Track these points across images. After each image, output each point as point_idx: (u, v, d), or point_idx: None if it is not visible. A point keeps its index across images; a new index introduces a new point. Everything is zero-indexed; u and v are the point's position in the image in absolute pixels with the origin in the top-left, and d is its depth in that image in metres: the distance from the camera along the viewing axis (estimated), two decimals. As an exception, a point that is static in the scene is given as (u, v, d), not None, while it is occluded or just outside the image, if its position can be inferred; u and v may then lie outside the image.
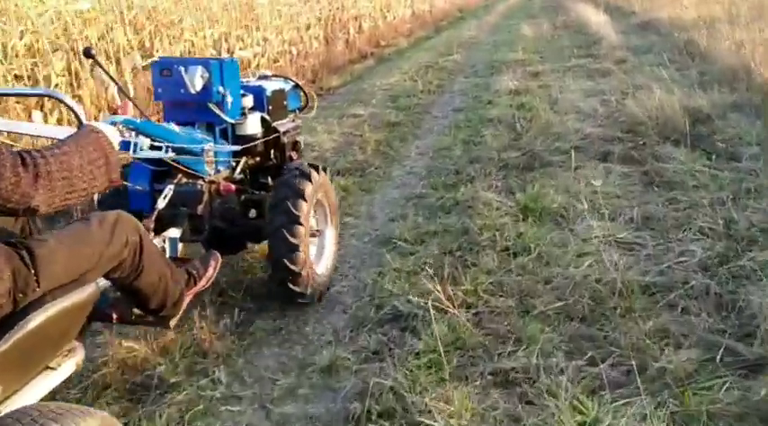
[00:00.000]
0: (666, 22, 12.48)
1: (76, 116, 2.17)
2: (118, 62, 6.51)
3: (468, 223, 4.08)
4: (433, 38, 16.06)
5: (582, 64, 9.95)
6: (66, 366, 1.89)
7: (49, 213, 1.67)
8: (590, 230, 3.91)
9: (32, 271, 1.67)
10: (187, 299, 2.43)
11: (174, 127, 2.78)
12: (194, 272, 2.51)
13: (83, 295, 1.82)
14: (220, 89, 2.97)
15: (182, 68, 2.90)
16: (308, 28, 11.35)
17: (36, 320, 1.68)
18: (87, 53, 2.44)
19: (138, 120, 2.46)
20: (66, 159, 1.68)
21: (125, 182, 2.76)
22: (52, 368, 1.85)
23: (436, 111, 7.81)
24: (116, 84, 2.88)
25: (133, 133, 2.31)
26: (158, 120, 3.32)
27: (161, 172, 2.87)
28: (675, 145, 5.45)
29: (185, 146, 2.69)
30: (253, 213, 3.32)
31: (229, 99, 3.03)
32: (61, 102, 2.28)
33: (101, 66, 2.62)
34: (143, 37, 7.10)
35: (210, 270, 2.59)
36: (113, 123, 2.16)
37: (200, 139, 2.92)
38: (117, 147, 1.95)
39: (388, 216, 4.49)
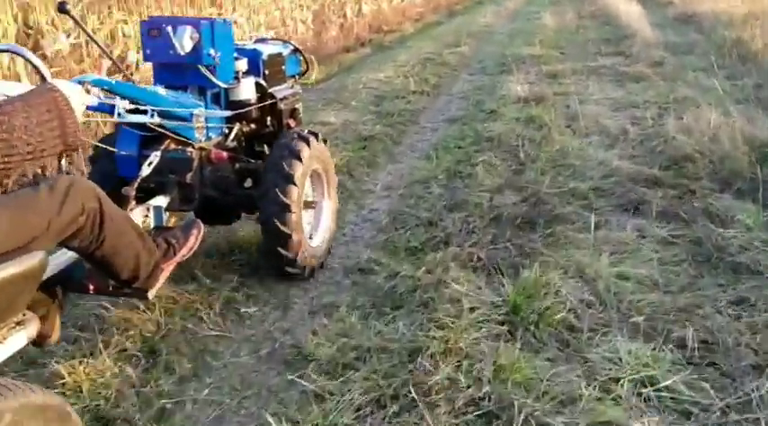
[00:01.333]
0: (710, 17, 10.76)
1: (39, 73, 2.01)
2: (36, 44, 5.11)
3: (420, 338, 2.59)
4: (444, 24, 14.43)
5: (609, 64, 8.35)
6: (14, 339, 1.78)
7: None
8: (614, 365, 2.42)
9: None
10: (166, 270, 2.32)
11: (159, 89, 2.65)
12: (174, 242, 2.38)
13: (26, 264, 1.66)
14: (211, 51, 2.82)
15: (170, 28, 2.76)
16: (293, 9, 9.81)
17: None
18: (62, 8, 2.25)
19: (113, 81, 2.35)
20: (7, 118, 1.57)
21: (110, 148, 2.69)
22: None
23: (425, 121, 6.29)
24: (95, 42, 2.65)
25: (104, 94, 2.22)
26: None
27: (150, 137, 2.69)
28: (738, 196, 3.91)
29: (171, 110, 2.58)
30: (248, 183, 3.17)
31: (220, 62, 2.87)
32: (23, 57, 2.10)
33: (77, 23, 2.44)
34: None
35: (192, 240, 2.46)
36: (81, 82, 2.02)
37: (189, 104, 2.80)
38: (80, 108, 1.81)
39: (306, 308, 3.00)
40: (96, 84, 2.21)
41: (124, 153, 2.71)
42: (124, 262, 2.08)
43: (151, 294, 2.25)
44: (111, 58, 2.56)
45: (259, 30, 8.64)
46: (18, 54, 2.22)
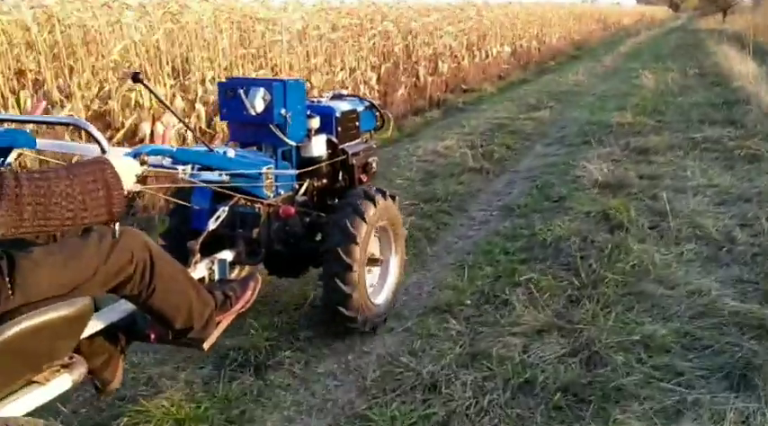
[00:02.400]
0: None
1: (100, 145, 1.94)
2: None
3: None
4: (529, 83, 13.27)
5: (716, 136, 6.94)
6: (58, 381, 1.81)
7: (16, 236, 1.57)
8: None
9: (7, 280, 1.65)
10: (223, 322, 2.37)
11: (229, 151, 2.66)
12: (231, 294, 2.40)
13: (69, 309, 1.74)
14: (282, 111, 2.90)
15: (242, 89, 2.86)
16: (352, 70, 8.98)
17: (8, 332, 1.64)
18: (135, 78, 2.19)
19: (174, 148, 2.36)
20: (46, 184, 1.60)
21: (186, 203, 2.79)
22: (40, 383, 1.80)
23: (475, 209, 5.14)
24: (168, 108, 2.55)
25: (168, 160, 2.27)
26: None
27: (223, 193, 2.69)
28: None
29: (235, 171, 2.59)
30: (319, 236, 3.12)
31: (292, 121, 2.94)
32: (86, 131, 2.03)
33: (152, 92, 2.40)
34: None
35: (249, 293, 2.47)
36: (137, 154, 2.07)
37: (258, 162, 2.82)
38: (130, 179, 1.83)
39: None
40: (154, 152, 2.23)
41: (197, 207, 2.79)
42: (177, 312, 2.11)
43: (207, 344, 2.27)
44: (184, 123, 2.64)
45: (310, 92, 7.85)
46: (79, 127, 2.20)
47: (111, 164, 1.74)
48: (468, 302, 3.42)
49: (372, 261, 3.09)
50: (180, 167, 2.28)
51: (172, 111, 2.52)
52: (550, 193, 5.32)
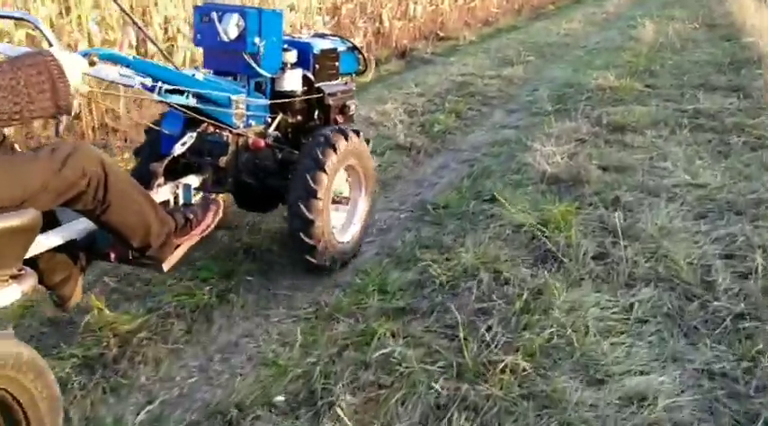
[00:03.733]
0: None
1: (47, 40, 2.02)
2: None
3: None
4: (518, 30, 11.74)
5: (714, 109, 5.58)
6: (6, 291, 1.78)
7: None
8: None
9: None
10: (184, 245, 2.39)
11: (197, 73, 2.73)
12: (191, 218, 2.42)
13: (16, 220, 1.73)
14: (256, 40, 2.85)
15: (216, 15, 2.83)
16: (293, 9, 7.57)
17: None
18: None
19: (131, 57, 2.36)
20: None
21: (155, 126, 2.83)
22: None
23: (380, 208, 3.86)
24: (131, 18, 2.68)
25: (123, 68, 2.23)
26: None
27: (194, 119, 2.68)
28: None
29: (207, 93, 2.57)
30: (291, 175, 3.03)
31: (266, 51, 2.89)
32: (34, 25, 2.14)
33: (115, 2, 2.51)
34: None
35: (210, 217, 2.49)
36: (86, 53, 2.00)
37: (226, 88, 2.76)
38: (76, 75, 1.81)
39: None
40: (106, 57, 2.21)
41: (167, 132, 2.76)
42: (133, 229, 2.12)
43: (166, 266, 2.28)
44: (148, 37, 2.74)
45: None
46: (29, 21, 2.23)
47: (55, 57, 1.74)
48: (281, 400, 2.20)
49: (338, 200, 3.11)
50: (137, 77, 2.23)
51: (134, 22, 2.64)
52: (484, 187, 4.04)
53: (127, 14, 2.53)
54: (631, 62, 7.80)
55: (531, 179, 4.07)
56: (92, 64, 1.94)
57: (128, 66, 2.24)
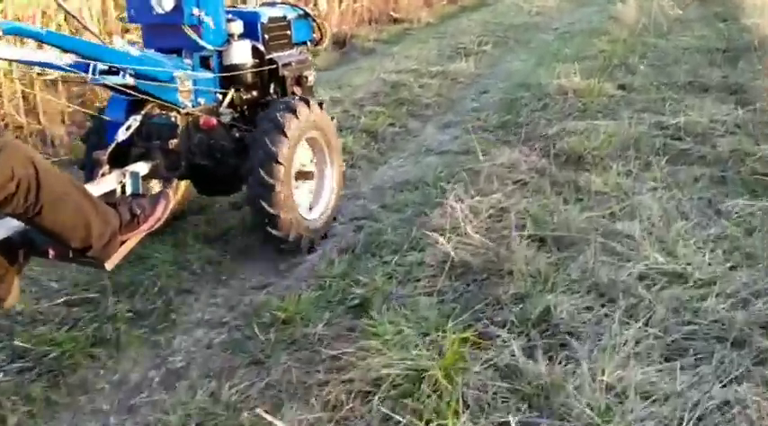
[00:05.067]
0: None
1: None
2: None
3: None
4: (485, 9, 10.31)
5: (706, 125, 4.23)
6: None
7: None
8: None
9: None
10: (130, 241, 2.26)
11: (130, 48, 2.50)
12: (138, 212, 2.29)
13: None
14: (195, 11, 2.72)
15: None
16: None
17: None
18: None
19: (44, 30, 2.24)
20: None
21: (102, 116, 2.72)
22: None
23: (190, 317, 2.56)
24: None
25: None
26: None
27: (139, 102, 2.62)
28: None
29: (145, 70, 2.46)
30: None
31: (207, 21, 2.75)
32: None
33: None
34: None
35: (159, 211, 2.37)
36: None
37: (165, 63, 2.63)
38: None
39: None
40: (14, 31, 2.10)
41: (111, 118, 2.66)
42: (72, 231, 2.01)
43: (109, 265, 2.19)
44: (65, 10, 2.40)
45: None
46: None
47: None
48: None
49: (303, 175, 2.93)
50: (65, 57, 2.13)
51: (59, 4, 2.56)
52: (357, 283, 2.68)
53: None
54: (605, 51, 6.44)
55: (429, 265, 2.73)
56: None
57: (38, 40, 2.12)
